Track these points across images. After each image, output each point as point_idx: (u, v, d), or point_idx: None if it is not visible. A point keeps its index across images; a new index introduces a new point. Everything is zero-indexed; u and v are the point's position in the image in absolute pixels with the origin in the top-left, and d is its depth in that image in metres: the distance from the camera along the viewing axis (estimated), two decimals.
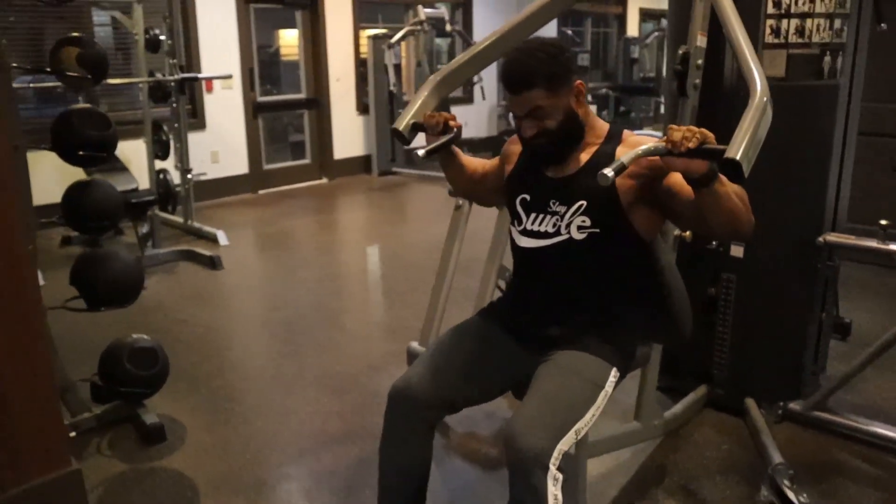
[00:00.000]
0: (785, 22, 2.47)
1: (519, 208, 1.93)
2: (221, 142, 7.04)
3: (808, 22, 2.46)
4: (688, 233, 2.50)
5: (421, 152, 1.94)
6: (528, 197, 1.91)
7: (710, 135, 1.50)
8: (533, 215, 1.89)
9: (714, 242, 2.74)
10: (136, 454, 2.68)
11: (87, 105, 2.72)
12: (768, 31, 2.49)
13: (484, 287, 3.04)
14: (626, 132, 1.90)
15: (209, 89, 6.90)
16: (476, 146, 8.74)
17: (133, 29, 5.41)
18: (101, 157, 2.60)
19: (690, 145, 1.49)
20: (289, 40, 7.98)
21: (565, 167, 1.87)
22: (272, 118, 7.79)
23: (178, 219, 5.80)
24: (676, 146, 1.50)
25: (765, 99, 1.67)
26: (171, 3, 5.46)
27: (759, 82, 1.74)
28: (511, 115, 1.90)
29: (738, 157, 1.48)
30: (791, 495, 2.17)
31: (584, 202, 1.81)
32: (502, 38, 2.53)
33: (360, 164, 8.37)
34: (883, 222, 2.46)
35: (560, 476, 1.63)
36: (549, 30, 10.21)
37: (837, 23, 2.48)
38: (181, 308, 4.16)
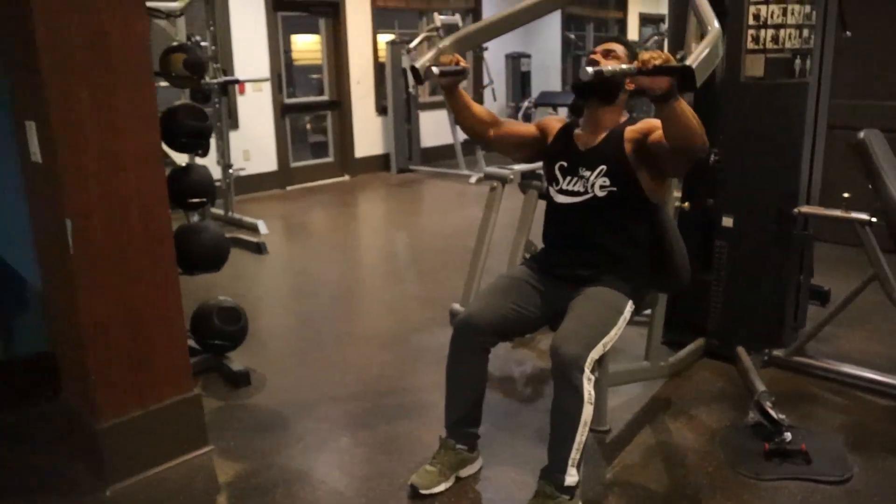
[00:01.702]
0: (763, 31, 3.02)
1: (557, 173, 2.48)
2: (253, 141, 7.58)
3: (782, 31, 3.01)
4: (686, 203, 3.04)
5: (435, 69, 2.37)
6: (565, 164, 2.46)
7: (672, 57, 1.98)
8: (568, 178, 2.44)
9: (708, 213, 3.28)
10: (228, 394, 3.20)
11: (188, 101, 3.25)
12: (749, 39, 3.04)
13: (514, 255, 3.58)
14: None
15: (241, 91, 7.44)
16: None
17: (176, 36, 5.94)
18: (200, 143, 3.13)
19: (657, 62, 1.95)
20: (301, 45, 8.49)
21: (591, 140, 2.43)
22: (297, 119, 8.32)
23: (219, 211, 6.33)
24: (645, 64, 1.96)
25: (718, 32, 2.15)
26: (213, 13, 6.00)
27: (714, 26, 2.23)
28: (586, 61, 2.43)
29: (692, 65, 1.94)
30: (773, 413, 2.70)
31: (605, 166, 2.36)
32: (508, 17, 2.91)
33: (380, 162, 8.92)
34: (845, 195, 3.00)
35: (593, 377, 2.18)
36: (553, 35, 10.80)
37: (805, 32, 3.03)
38: (237, 285, 4.68)
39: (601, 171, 2.38)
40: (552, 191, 2.53)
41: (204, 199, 3.18)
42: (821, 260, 3.58)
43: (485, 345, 2.45)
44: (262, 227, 6.06)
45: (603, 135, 2.42)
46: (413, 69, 2.52)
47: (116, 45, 2.32)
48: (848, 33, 3.30)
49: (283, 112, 7.92)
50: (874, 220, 2.94)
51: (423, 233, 6.42)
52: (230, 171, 6.20)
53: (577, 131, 2.52)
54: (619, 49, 2.43)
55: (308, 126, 8.64)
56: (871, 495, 2.38)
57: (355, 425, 2.92)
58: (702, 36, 2.24)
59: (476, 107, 2.62)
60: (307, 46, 8.57)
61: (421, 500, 2.39)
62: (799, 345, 3.27)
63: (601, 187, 2.38)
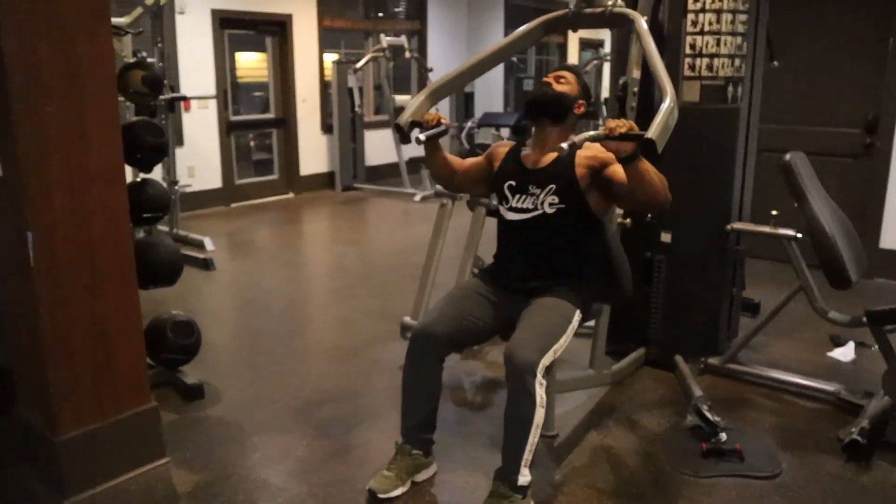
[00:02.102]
0: (698, 60, 3.24)
1: (507, 191, 2.62)
2: (198, 157, 7.54)
3: (716, 60, 3.23)
4: (628, 220, 3.23)
5: (422, 136, 2.57)
6: (513, 183, 2.61)
7: (636, 126, 2.18)
8: (517, 196, 2.58)
9: (647, 229, 3.47)
10: (183, 407, 3.22)
11: (146, 117, 3.29)
12: (686, 67, 3.26)
13: (463, 270, 3.70)
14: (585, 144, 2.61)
15: (187, 108, 7.41)
16: None
17: (122, 52, 5.92)
18: (157, 159, 3.17)
19: (622, 130, 2.15)
20: (245, 63, 8.49)
21: (539, 159, 2.57)
22: (242, 136, 8.32)
23: (165, 227, 6.28)
24: (612, 131, 2.16)
25: (672, 103, 2.32)
26: (161, 30, 6.00)
27: (669, 92, 2.40)
28: (539, 84, 2.61)
29: (653, 137, 2.13)
30: (709, 415, 2.88)
31: (554, 185, 2.51)
32: (480, 62, 3.08)
33: (325, 180, 8.97)
34: (774, 213, 3.22)
35: (544, 382, 2.31)
36: None
37: (737, 61, 3.26)
38: (187, 301, 4.67)
39: (550, 189, 2.53)
40: (503, 209, 2.67)
41: (160, 214, 3.21)
42: (752, 274, 3.82)
43: (440, 354, 2.56)
44: (209, 244, 6.05)
45: (553, 157, 2.57)
46: (398, 127, 2.64)
47: (83, 62, 2.37)
48: (775, 63, 3.55)
49: (228, 129, 7.92)
50: (799, 235, 3.17)
51: (371, 249, 6.51)
52: (176, 187, 6.18)
53: (525, 152, 2.68)
54: (569, 76, 2.63)
55: (252, 143, 8.64)
56: (798, 488, 2.58)
57: (312, 435, 2.98)
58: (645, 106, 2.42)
59: (449, 158, 2.80)
60: (251, 64, 8.59)
61: None
62: (732, 353, 3.48)
63: (550, 205, 2.53)
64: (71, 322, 2.46)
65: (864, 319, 3.00)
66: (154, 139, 3.15)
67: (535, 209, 2.55)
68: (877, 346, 3.08)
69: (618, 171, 2.36)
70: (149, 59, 5.86)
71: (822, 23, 5.16)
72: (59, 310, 2.43)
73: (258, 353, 3.89)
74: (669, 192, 2.33)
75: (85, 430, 2.55)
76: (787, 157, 3.18)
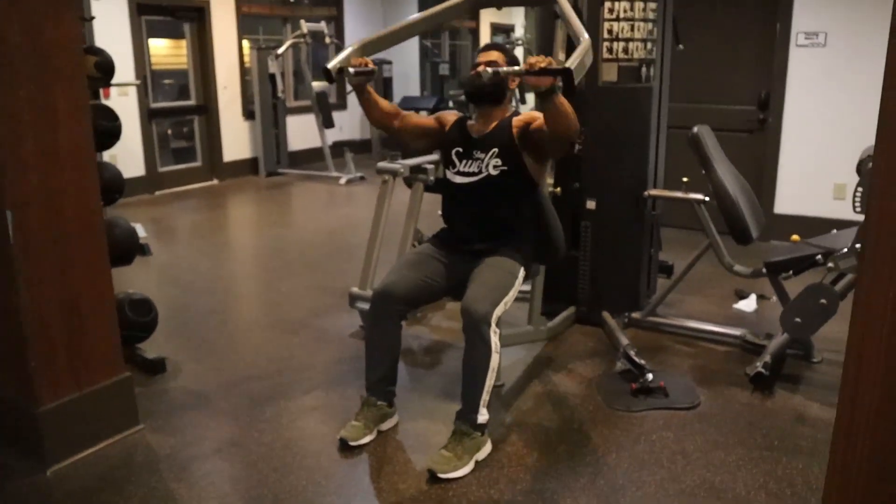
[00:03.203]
0: (615, 44, 3.59)
1: (454, 157, 2.88)
2: (119, 146, 7.41)
3: (631, 44, 3.59)
4: (558, 188, 3.55)
5: (351, 69, 2.76)
6: (460, 149, 2.88)
7: (553, 61, 2.40)
8: (464, 161, 2.85)
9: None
10: (147, 381, 3.34)
11: (98, 101, 3.37)
12: (605, 50, 3.60)
13: (405, 241, 3.94)
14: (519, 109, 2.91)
15: (107, 96, 7.32)
16: (355, 147, 9.54)
17: None
18: (111, 143, 3.28)
19: (542, 65, 2.37)
20: (158, 50, 8.39)
21: (483, 129, 2.85)
22: (163, 123, 8.27)
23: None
24: (532, 66, 2.37)
25: (588, 44, 2.60)
26: (87, 8, 5.94)
27: (585, 37, 2.70)
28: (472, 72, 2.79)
29: (571, 67, 2.38)
30: (636, 358, 3.24)
31: (497, 149, 2.80)
32: (407, 26, 3.32)
33: (248, 166, 9.01)
34: (684, 179, 3.62)
35: (497, 331, 2.60)
36: (412, 43, 11.26)
37: (649, 45, 3.63)
38: (131, 285, 4.73)
39: (494, 153, 2.81)
40: (449, 173, 2.93)
41: (116, 196, 3.32)
42: (665, 241, 4.23)
43: (400, 312, 2.82)
44: (141, 231, 6.04)
45: (494, 124, 2.85)
46: (325, 70, 2.84)
47: (52, 47, 2.48)
48: (681, 47, 3.95)
49: (149, 117, 7.86)
50: (707, 199, 3.57)
51: (304, 231, 6.66)
52: None
53: (471, 122, 2.95)
54: (499, 57, 2.87)
55: (172, 131, 8.58)
56: (714, 416, 2.97)
57: (276, 397, 3.18)
58: (572, 47, 2.72)
59: (383, 102, 2.99)
60: (169, 51, 8.52)
61: (350, 451, 2.72)
62: (652, 307, 3.87)
63: (494, 167, 2.81)
64: (47, 298, 2.59)
65: (764, 270, 3.43)
66: (108, 123, 3.26)
67: (481, 172, 2.82)
68: (775, 297, 3.53)
69: (540, 121, 2.63)
70: None
71: (720, 10, 5.65)
72: (36, 286, 2.55)
73: (208, 329, 4.03)
74: (579, 124, 2.57)
75: (63, 400, 2.67)
76: (695, 129, 3.57)
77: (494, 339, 2.57)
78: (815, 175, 5.47)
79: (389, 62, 10.66)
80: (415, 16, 3.32)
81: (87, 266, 2.71)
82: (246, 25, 8.93)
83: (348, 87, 9.78)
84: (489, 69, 2.45)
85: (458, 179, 2.88)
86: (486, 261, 2.77)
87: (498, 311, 2.61)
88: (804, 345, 3.46)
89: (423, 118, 3.11)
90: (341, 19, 10.24)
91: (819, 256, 3.19)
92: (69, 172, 2.59)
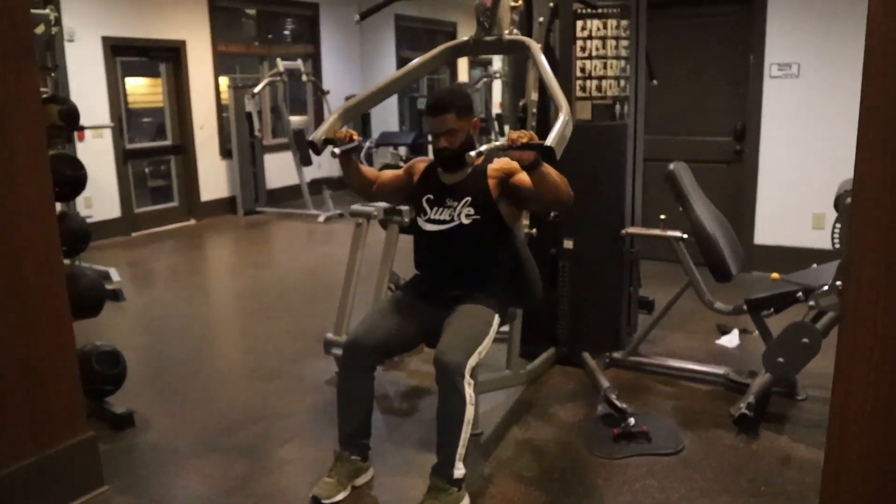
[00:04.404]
0: (589, 82, 3.58)
1: (425, 204, 2.82)
2: (94, 187, 7.31)
3: (604, 82, 3.57)
4: (534, 230, 3.50)
5: (337, 150, 2.72)
6: (431, 196, 2.81)
7: (535, 136, 2.38)
8: (435, 208, 2.79)
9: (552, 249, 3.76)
10: (114, 437, 3.23)
11: (64, 151, 3.30)
12: (578, 88, 3.58)
13: (381, 284, 3.87)
14: (495, 158, 2.85)
15: (81, 138, 7.25)
16: (334, 184, 9.46)
17: None
18: (76, 192, 3.20)
19: (523, 140, 2.35)
20: (135, 88, 8.36)
21: (456, 176, 2.79)
22: (139, 164, 8.19)
23: (66, 260, 6.13)
24: (514, 142, 2.35)
25: (568, 116, 2.53)
26: (53, 59, 5.88)
27: (564, 107, 2.61)
28: (430, 134, 2.75)
29: (552, 144, 2.34)
30: (617, 402, 3.17)
31: (470, 198, 2.73)
32: (387, 86, 3.21)
33: (226, 205, 8.93)
34: (662, 217, 3.58)
35: (472, 381, 2.52)
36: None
37: (622, 82, 3.61)
38: (102, 333, 4.60)
39: (466, 202, 2.75)
40: (420, 221, 2.86)
41: (82, 247, 3.23)
42: (645, 275, 4.18)
43: (372, 363, 2.74)
44: (115, 275, 5.94)
45: (467, 171, 2.79)
46: (311, 143, 2.78)
47: (10, 98, 2.42)
48: (655, 82, 3.94)
49: (125, 158, 7.79)
50: (685, 236, 3.53)
51: (282, 271, 6.57)
52: None
53: (442, 169, 2.89)
54: (451, 119, 2.69)
55: (149, 170, 8.50)
56: (699, 461, 2.90)
57: (249, 451, 3.08)
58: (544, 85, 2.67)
59: (364, 170, 2.96)
60: (145, 89, 8.48)
61: None
62: (633, 346, 3.81)
63: (467, 216, 2.75)
64: (4, 356, 2.49)
65: (745, 307, 3.38)
66: (73, 172, 3.18)
67: (452, 220, 2.76)
68: (757, 332, 3.48)
69: (523, 177, 2.58)
70: (42, 89, 5.79)
71: (693, 44, 5.68)
72: None
73: (181, 378, 3.92)
74: (571, 190, 2.55)
75: (22, 464, 2.56)
76: (671, 166, 3.54)
77: (469, 391, 2.49)
78: (793, 205, 5.47)
79: None
80: (393, 74, 3.28)
81: (47, 322, 2.61)
82: (223, 64, 8.91)
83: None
84: (472, 154, 2.41)
85: (429, 227, 2.82)
86: (459, 308, 2.70)
87: (472, 361, 2.53)
88: (788, 382, 3.40)
89: (395, 174, 3.05)
90: (318, 56, 10.25)
91: (800, 294, 3.15)
92: (28, 227, 2.51)
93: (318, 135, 2.80)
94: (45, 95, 3.18)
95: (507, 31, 3.21)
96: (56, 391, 2.66)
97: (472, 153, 2.41)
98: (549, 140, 2.36)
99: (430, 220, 2.82)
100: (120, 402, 3.42)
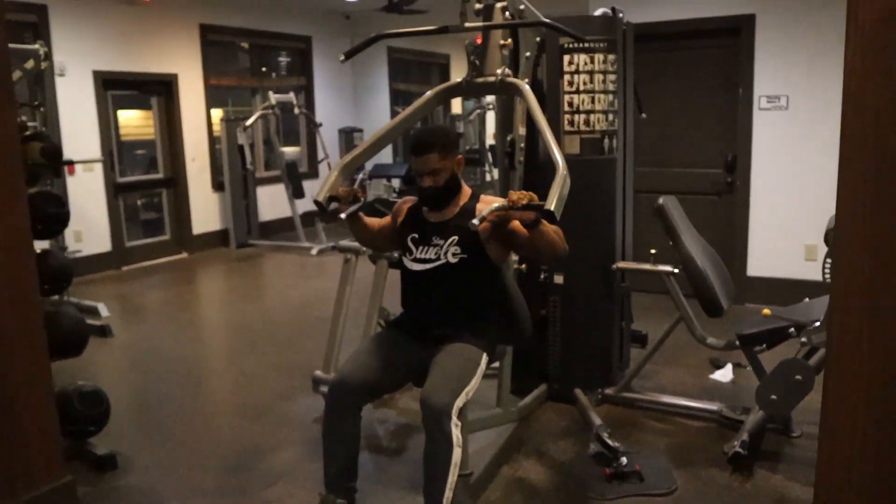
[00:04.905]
0: (577, 116, 3.57)
1: (410, 244, 2.78)
2: (85, 221, 7.35)
3: (592, 116, 3.57)
4: (524, 265, 3.47)
5: (343, 215, 2.72)
6: (416, 235, 2.77)
7: (535, 196, 2.42)
8: (421, 247, 2.75)
9: (542, 275, 3.72)
10: (96, 479, 3.16)
11: (48, 189, 3.27)
12: (566, 122, 3.57)
13: (370, 320, 3.83)
14: (481, 194, 2.82)
15: (71, 172, 7.23)
16: None
17: None
18: (58, 229, 3.16)
19: (523, 202, 2.40)
20: (127, 121, 8.36)
21: (442, 215, 2.76)
22: (130, 197, 8.16)
23: (55, 295, 6.08)
24: (515, 203, 2.40)
25: (565, 172, 2.55)
26: (42, 92, 5.89)
27: (561, 162, 2.59)
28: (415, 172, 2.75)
29: (552, 208, 2.37)
30: (610, 442, 3.11)
31: (456, 237, 2.69)
32: (383, 136, 3.17)
33: (219, 238, 8.89)
34: (652, 251, 3.55)
35: (459, 423, 2.47)
36: (383, 109, 11.35)
37: (610, 116, 3.61)
38: (88, 370, 4.55)
39: (453, 241, 2.71)
40: (406, 260, 2.82)
41: (64, 285, 3.19)
42: (638, 307, 4.14)
43: (358, 403, 2.68)
44: (103, 310, 5.90)
45: (455, 210, 2.76)
46: (317, 202, 2.76)
47: None
48: (643, 115, 3.93)
49: (116, 191, 7.76)
50: (676, 271, 3.50)
51: (273, 305, 6.52)
52: (65, 253, 6.01)
53: (427, 208, 2.86)
54: (435, 160, 2.66)
55: (141, 202, 8.48)
56: (692, 500, 2.84)
57: (233, 494, 3.01)
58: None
59: (370, 222, 2.94)
60: (136, 122, 8.48)
61: None
62: (625, 382, 3.76)
63: (453, 255, 2.71)
64: None
65: (737, 343, 3.34)
66: (55, 210, 3.14)
67: (438, 259, 2.73)
68: (751, 367, 3.43)
69: (519, 226, 2.57)
70: (29, 124, 5.78)
71: (683, 76, 5.70)
72: None
73: (167, 417, 3.86)
74: (566, 244, 2.57)
75: None
76: (661, 200, 3.52)
77: (456, 433, 2.43)
78: (785, 237, 5.45)
79: (360, 130, 10.70)
80: (388, 123, 3.24)
81: (23, 364, 2.57)
82: (215, 96, 8.93)
83: (320, 155, 9.80)
84: (475, 221, 2.42)
85: (415, 266, 2.78)
86: (446, 348, 2.65)
87: (459, 402, 2.48)
88: (783, 419, 3.35)
89: (385, 222, 3.01)
90: (311, 89, 10.29)
91: (792, 329, 3.11)
92: (5, 268, 2.48)
93: (322, 194, 2.79)
94: (28, 132, 3.16)
95: (499, 72, 3.17)
96: (33, 434, 2.61)
97: (476, 221, 2.42)
98: (549, 203, 2.38)
99: (415, 260, 2.78)
100: (103, 443, 3.36)
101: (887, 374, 1.49)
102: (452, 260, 2.71)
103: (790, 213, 5.42)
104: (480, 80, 3.11)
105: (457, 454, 2.44)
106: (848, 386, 1.47)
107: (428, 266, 2.75)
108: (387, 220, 3.02)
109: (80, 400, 3.28)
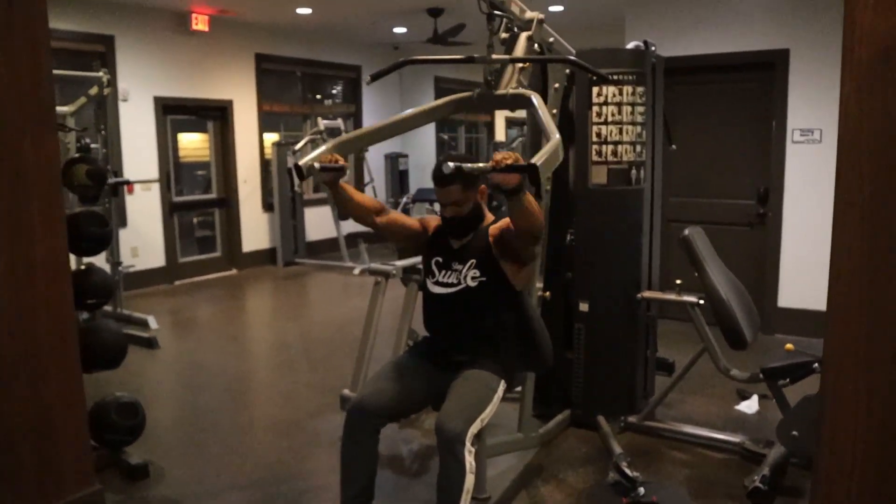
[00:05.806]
0: (605, 147, 3.61)
1: (434, 267, 2.86)
2: (141, 238, 7.66)
3: (620, 147, 3.61)
4: (548, 293, 3.51)
5: (317, 165, 2.61)
6: (440, 259, 2.85)
7: (520, 158, 2.34)
8: (443, 272, 2.82)
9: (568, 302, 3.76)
10: (127, 488, 3.30)
11: (91, 208, 3.47)
12: (594, 153, 3.62)
13: (399, 341, 3.91)
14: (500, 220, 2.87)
15: (130, 191, 7.55)
16: (369, 237, 9.60)
17: (65, 139, 6.08)
18: (101, 248, 3.34)
19: (508, 162, 2.31)
20: (186, 143, 8.69)
21: (462, 241, 2.83)
22: (184, 215, 8.47)
23: (108, 307, 6.34)
24: (499, 163, 2.31)
25: (558, 138, 2.52)
26: (104, 117, 6.20)
27: (555, 135, 2.57)
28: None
29: (537, 163, 2.29)
30: (628, 471, 3.11)
31: (475, 260, 2.76)
32: (390, 125, 3.18)
33: (267, 256, 9.14)
34: (678, 282, 3.56)
35: (473, 450, 2.52)
36: (429, 136, 11.53)
37: (638, 147, 3.64)
38: (132, 381, 4.75)
39: (472, 264, 2.78)
40: (429, 283, 2.90)
41: (103, 300, 3.36)
42: (665, 334, 4.14)
43: (376, 426, 2.74)
44: (153, 323, 6.13)
45: (472, 233, 2.84)
46: (297, 167, 2.69)
47: (28, 163, 2.56)
48: (673, 147, 3.96)
49: (171, 210, 8.07)
50: (701, 301, 3.50)
51: (312, 323, 6.67)
52: (119, 268, 6.28)
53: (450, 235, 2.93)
54: (456, 192, 2.74)
55: (195, 220, 8.78)
56: None
57: None
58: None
59: (359, 196, 2.90)
60: (193, 144, 8.81)
61: None
62: (649, 411, 3.75)
63: (473, 278, 2.78)
64: (16, 412, 2.57)
65: (761, 376, 3.32)
66: (98, 229, 3.33)
67: (459, 283, 2.79)
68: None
69: (507, 222, 2.61)
70: (92, 146, 6.08)
71: (716, 109, 5.71)
72: (4, 401, 2.54)
73: (202, 430, 4.00)
74: (542, 220, 2.54)
75: None
76: (686, 231, 3.53)
77: (469, 459, 2.48)
78: (816, 268, 5.29)
79: (406, 155, 10.89)
80: (391, 118, 3.27)
81: (58, 379, 2.71)
82: (268, 122, 9.23)
83: (366, 179, 10.00)
84: (451, 163, 2.41)
85: (437, 290, 2.85)
86: (463, 373, 2.71)
87: (473, 429, 2.53)
88: (805, 454, 3.30)
89: (410, 219, 3.06)
90: (360, 115, 10.53)
91: (816, 364, 3.08)
92: (43, 287, 2.63)
93: (304, 160, 2.70)
94: (75, 156, 3.36)
95: (511, 87, 3.19)
96: (66, 445, 2.74)
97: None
98: (536, 158, 2.31)
99: (438, 283, 2.86)
100: (138, 452, 3.50)
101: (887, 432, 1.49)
102: (472, 284, 2.77)
103: (822, 245, 5.25)
104: (492, 92, 3.08)
105: (469, 480, 2.48)
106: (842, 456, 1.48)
107: (449, 290, 2.81)
108: (413, 220, 3.02)
109: (116, 410, 3.43)
